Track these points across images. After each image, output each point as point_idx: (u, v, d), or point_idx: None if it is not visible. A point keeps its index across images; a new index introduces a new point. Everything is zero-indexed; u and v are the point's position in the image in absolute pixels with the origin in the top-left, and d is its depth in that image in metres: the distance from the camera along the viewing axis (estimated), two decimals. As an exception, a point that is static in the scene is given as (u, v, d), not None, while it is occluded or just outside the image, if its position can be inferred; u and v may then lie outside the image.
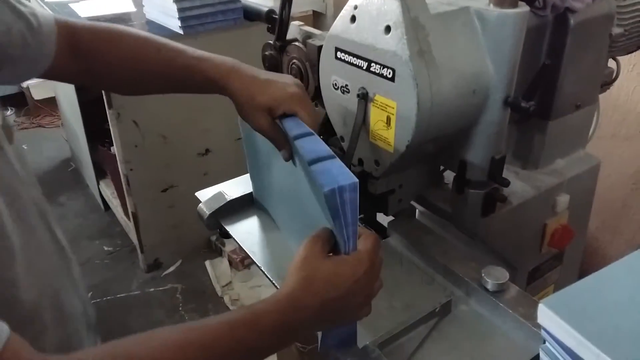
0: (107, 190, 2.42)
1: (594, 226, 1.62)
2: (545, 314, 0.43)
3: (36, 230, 0.62)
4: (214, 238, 2.22)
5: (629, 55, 1.02)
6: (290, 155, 0.74)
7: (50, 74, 0.74)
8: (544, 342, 0.46)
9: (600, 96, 0.99)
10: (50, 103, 3.28)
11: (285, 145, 0.74)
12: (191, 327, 0.53)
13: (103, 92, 1.81)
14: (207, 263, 2.16)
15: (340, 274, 0.56)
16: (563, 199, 0.94)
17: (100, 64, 0.78)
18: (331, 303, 0.56)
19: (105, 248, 2.34)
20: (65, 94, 2.45)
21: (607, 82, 1.00)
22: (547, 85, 0.87)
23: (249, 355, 0.55)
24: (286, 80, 0.75)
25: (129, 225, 2.20)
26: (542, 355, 0.46)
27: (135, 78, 0.81)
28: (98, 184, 2.47)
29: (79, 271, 0.72)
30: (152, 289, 2.11)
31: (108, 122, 1.88)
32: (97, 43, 0.78)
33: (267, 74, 0.76)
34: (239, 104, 0.75)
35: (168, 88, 0.83)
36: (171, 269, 2.19)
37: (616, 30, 0.90)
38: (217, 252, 2.22)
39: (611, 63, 0.99)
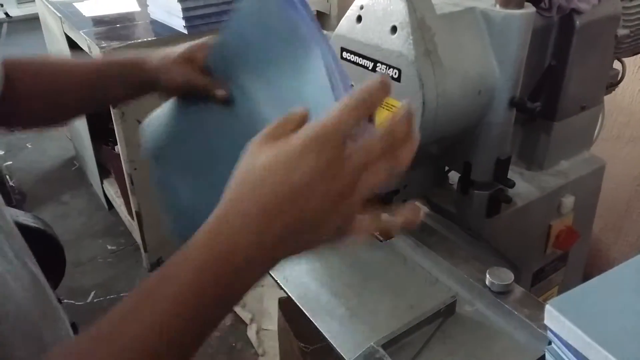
0: (111, 189, 2.43)
1: (598, 227, 1.62)
2: (551, 315, 0.43)
3: (8, 257, 0.56)
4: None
5: (635, 56, 1.02)
6: (229, 93, 0.68)
7: None
8: (550, 344, 0.46)
9: (605, 98, 0.99)
10: (54, 102, 3.29)
11: (221, 85, 0.68)
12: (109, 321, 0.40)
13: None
14: (210, 262, 2.16)
15: (280, 156, 0.39)
16: (568, 200, 0.94)
17: (18, 93, 0.72)
18: (275, 200, 0.38)
19: (109, 247, 2.35)
20: (70, 93, 2.45)
21: (613, 83, 1.00)
22: (552, 86, 0.87)
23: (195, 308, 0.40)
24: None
25: (132, 225, 2.20)
26: (547, 356, 0.45)
27: (54, 98, 0.76)
28: (102, 183, 2.48)
29: (57, 304, 0.65)
30: (155, 288, 2.11)
31: (112, 121, 1.88)
32: (18, 74, 0.72)
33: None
34: (159, 72, 0.71)
35: (89, 101, 0.79)
36: (174, 268, 2.19)
37: (622, 32, 0.90)
38: (220, 252, 2.22)
39: (617, 64, 0.99)
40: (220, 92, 0.68)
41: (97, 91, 0.76)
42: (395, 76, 0.69)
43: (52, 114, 0.79)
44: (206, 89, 0.69)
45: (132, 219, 2.13)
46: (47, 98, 0.76)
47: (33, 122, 0.80)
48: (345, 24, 0.75)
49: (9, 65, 0.72)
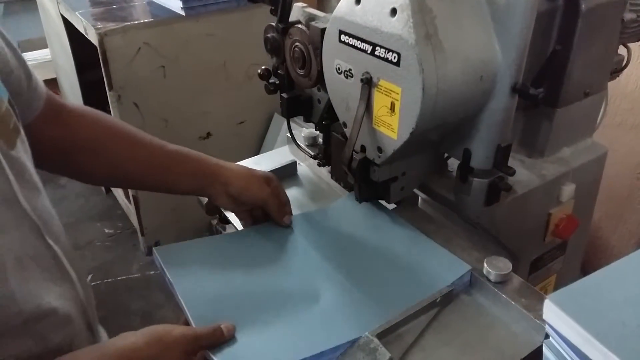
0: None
1: (597, 215, 1.61)
2: (550, 310, 0.41)
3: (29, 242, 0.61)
4: (214, 222, 2.22)
5: (640, 41, 1.00)
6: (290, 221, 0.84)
7: (27, 132, 0.71)
8: (547, 337, 0.45)
9: (609, 84, 0.97)
10: (52, 84, 3.25)
11: (288, 210, 0.85)
12: None
13: (104, 73, 1.79)
14: (208, 247, 2.16)
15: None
16: (568, 189, 0.92)
17: (95, 146, 0.81)
18: None
19: (106, 230, 2.34)
20: (67, 75, 2.43)
21: (617, 69, 0.98)
22: (556, 72, 0.84)
23: None
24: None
25: (129, 208, 2.20)
26: (545, 350, 0.44)
27: (119, 174, 0.84)
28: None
29: (85, 284, 0.71)
30: (152, 272, 2.12)
31: (109, 104, 1.86)
32: (95, 127, 0.82)
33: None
34: (237, 184, 0.83)
35: (151, 186, 0.88)
36: (172, 252, 2.19)
37: (628, 16, 0.88)
38: (218, 236, 2.22)
39: (622, 50, 0.96)
40: (287, 219, 0.84)
41: (166, 180, 0.85)
42: (395, 60, 0.67)
43: (110, 176, 0.86)
44: (277, 212, 0.84)
45: (130, 202, 2.12)
46: (110, 169, 0.83)
47: (88, 177, 0.87)
48: (344, 6, 0.73)
49: (83, 118, 0.81)
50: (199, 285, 0.71)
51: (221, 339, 0.62)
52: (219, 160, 0.85)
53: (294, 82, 0.93)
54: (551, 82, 0.85)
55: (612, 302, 0.41)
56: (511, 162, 0.78)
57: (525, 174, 0.90)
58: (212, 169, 0.84)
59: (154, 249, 0.77)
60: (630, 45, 0.98)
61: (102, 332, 0.78)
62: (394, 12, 0.65)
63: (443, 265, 0.74)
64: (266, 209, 0.84)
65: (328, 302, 0.70)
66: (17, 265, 0.57)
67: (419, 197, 0.93)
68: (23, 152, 0.64)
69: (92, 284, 2.06)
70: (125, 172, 0.83)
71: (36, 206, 0.63)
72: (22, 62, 0.72)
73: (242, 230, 0.85)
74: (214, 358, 0.60)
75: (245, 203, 0.85)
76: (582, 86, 0.89)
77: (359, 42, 0.72)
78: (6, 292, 0.55)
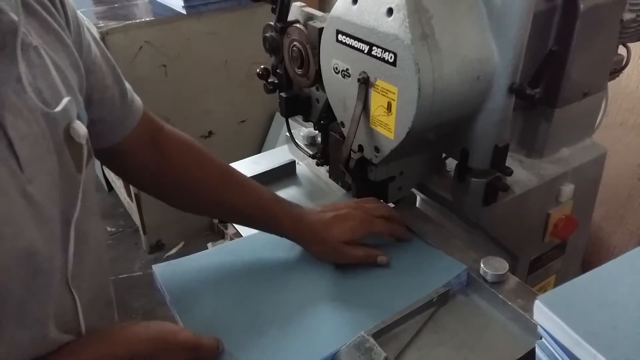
0: (111, 171, 2.42)
1: (598, 215, 1.60)
2: (541, 311, 0.41)
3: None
4: (216, 220, 2.22)
5: (641, 41, 0.99)
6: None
7: (119, 148, 0.74)
8: (540, 338, 0.45)
9: (610, 84, 0.97)
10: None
11: (377, 252, 0.77)
12: None
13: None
14: (210, 245, 2.16)
15: None
16: (567, 189, 0.92)
17: (184, 177, 0.79)
18: None
19: (109, 229, 2.35)
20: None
21: (617, 69, 0.98)
22: (554, 72, 0.84)
23: None
24: (346, 210, 0.79)
25: (131, 207, 2.20)
26: (538, 351, 0.44)
27: (208, 204, 0.81)
28: (102, 164, 2.47)
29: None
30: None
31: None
32: (186, 158, 0.80)
33: (331, 211, 0.80)
34: (310, 243, 0.78)
35: (229, 218, 0.87)
36: (174, 250, 2.19)
37: (627, 16, 0.87)
38: (219, 235, 2.22)
39: (621, 50, 0.96)
40: (381, 260, 0.77)
41: (255, 224, 0.82)
42: (391, 60, 0.67)
43: (194, 204, 0.82)
44: (368, 260, 0.77)
45: (132, 200, 2.13)
46: (200, 195, 0.79)
47: (179, 202, 0.83)
48: (341, 5, 0.73)
49: (178, 141, 0.81)
50: (196, 303, 0.71)
51: (219, 353, 0.62)
52: (303, 215, 0.79)
53: (293, 82, 0.93)
54: (549, 83, 0.85)
55: (602, 303, 0.41)
56: (510, 162, 0.78)
57: (524, 174, 0.90)
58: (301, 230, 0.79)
59: (153, 267, 0.77)
60: (630, 45, 0.97)
61: None
62: (390, 12, 0.65)
63: (439, 265, 0.74)
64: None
65: (325, 306, 0.70)
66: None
67: (417, 197, 0.93)
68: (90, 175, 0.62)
69: (94, 281, 2.07)
70: (216, 209, 0.82)
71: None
72: (118, 79, 0.72)
73: (238, 239, 0.85)
74: None
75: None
76: (580, 86, 0.89)
77: (356, 42, 0.72)
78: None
